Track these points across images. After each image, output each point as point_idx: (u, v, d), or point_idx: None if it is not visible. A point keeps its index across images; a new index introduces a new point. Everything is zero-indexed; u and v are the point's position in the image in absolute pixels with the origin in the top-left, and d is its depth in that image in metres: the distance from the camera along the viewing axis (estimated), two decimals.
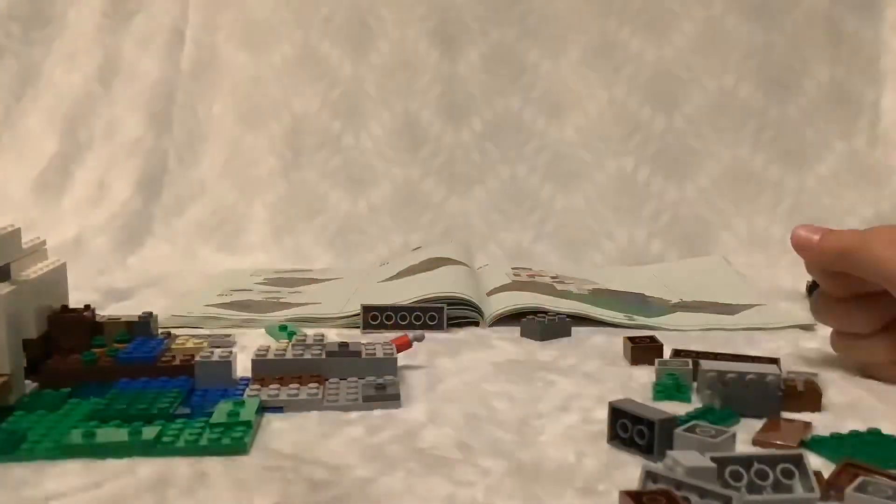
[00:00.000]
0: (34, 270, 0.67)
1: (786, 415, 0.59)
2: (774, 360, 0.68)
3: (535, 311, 0.84)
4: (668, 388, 0.63)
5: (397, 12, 1.32)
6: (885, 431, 0.56)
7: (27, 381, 0.65)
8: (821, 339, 0.79)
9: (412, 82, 1.30)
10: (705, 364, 0.62)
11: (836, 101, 1.25)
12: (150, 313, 0.74)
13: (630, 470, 0.51)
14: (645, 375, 0.68)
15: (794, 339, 0.79)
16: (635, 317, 0.87)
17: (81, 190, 1.30)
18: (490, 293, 0.94)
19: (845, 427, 0.57)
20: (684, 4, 1.28)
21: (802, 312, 0.88)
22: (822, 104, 1.25)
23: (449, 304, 0.86)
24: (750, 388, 0.59)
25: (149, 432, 0.54)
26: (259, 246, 1.23)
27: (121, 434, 0.54)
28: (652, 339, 0.75)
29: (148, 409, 0.58)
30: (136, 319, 0.72)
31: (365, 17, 1.32)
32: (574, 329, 0.82)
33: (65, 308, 0.71)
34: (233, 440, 0.53)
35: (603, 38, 1.29)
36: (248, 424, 0.56)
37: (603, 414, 0.60)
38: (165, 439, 0.54)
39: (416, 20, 1.31)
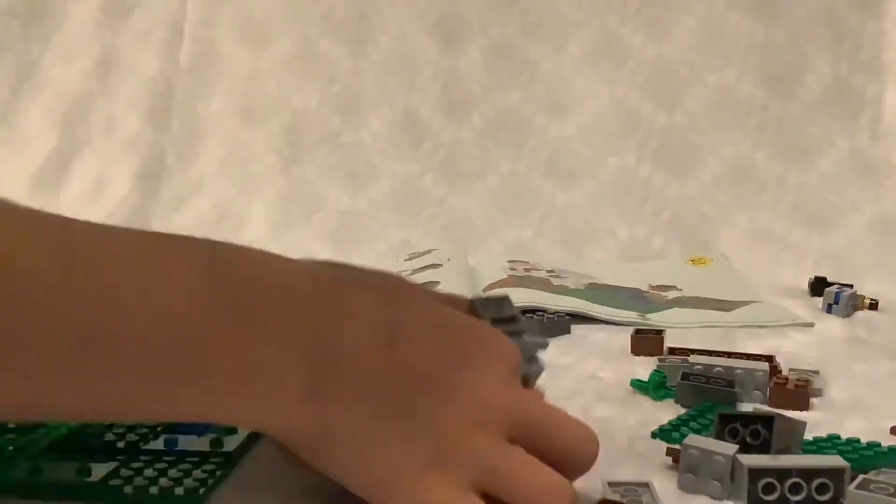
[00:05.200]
0: None
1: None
2: (770, 358, 0.67)
3: (534, 310, 0.83)
4: (646, 385, 0.63)
5: (397, 7, 1.31)
6: (886, 430, 0.55)
7: None
8: (823, 336, 0.78)
9: (412, 78, 1.30)
10: (692, 359, 0.63)
11: (839, 97, 1.24)
12: None
13: (630, 468, 0.50)
14: (646, 373, 0.67)
15: (797, 337, 0.79)
16: (647, 315, 0.85)
17: (80, 185, 1.30)
18: (485, 289, 0.93)
19: (847, 425, 0.56)
20: (686, 0, 1.27)
21: (801, 310, 0.87)
22: (824, 100, 1.24)
23: None
24: (711, 383, 0.60)
25: (99, 472, 0.47)
26: (258, 242, 1.19)
27: (68, 472, 0.46)
28: (658, 331, 0.74)
29: (115, 442, 0.51)
30: None
31: (364, 12, 1.32)
32: (574, 326, 0.82)
33: None
34: (186, 491, 0.45)
35: (604, 34, 1.28)
36: (228, 458, 0.48)
37: (604, 410, 0.60)
38: (114, 482, 0.46)
39: (415, 15, 1.31)
